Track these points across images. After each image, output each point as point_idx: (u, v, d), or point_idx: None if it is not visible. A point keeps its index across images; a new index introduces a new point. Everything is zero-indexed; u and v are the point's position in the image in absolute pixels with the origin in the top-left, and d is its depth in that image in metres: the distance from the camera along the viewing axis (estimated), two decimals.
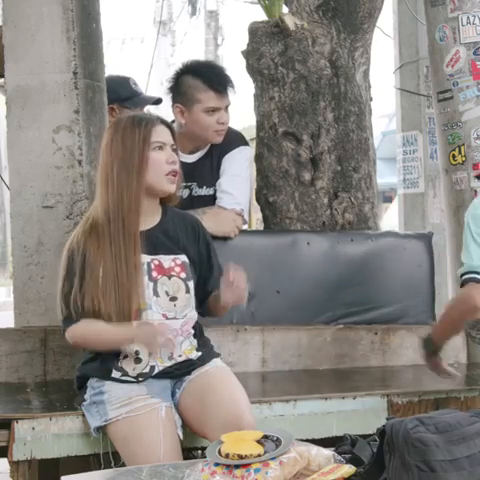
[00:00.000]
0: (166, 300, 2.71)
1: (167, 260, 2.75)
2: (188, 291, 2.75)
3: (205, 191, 3.63)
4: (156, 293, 2.70)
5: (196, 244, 2.84)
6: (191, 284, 2.76)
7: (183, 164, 3.50)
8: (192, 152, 3.63)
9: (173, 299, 2.72)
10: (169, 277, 2.73)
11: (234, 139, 3.65)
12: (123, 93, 3.92)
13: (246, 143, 3.70)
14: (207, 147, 3.64)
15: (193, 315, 2.77)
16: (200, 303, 2.84)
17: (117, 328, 2.62)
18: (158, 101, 4.23)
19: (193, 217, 2.95)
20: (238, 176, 3.59)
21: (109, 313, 2.62)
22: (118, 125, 2.76)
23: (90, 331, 2.65)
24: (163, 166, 2.74)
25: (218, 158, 3.62)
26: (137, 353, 2.67)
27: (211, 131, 3.54)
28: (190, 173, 3.54)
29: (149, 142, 2.71)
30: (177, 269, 2.75)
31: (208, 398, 2.65)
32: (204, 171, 3.62)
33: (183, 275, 2.75)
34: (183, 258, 2.78)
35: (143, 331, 2.60)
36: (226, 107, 3.55)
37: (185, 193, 3.59)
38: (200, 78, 3.53)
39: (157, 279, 2.71)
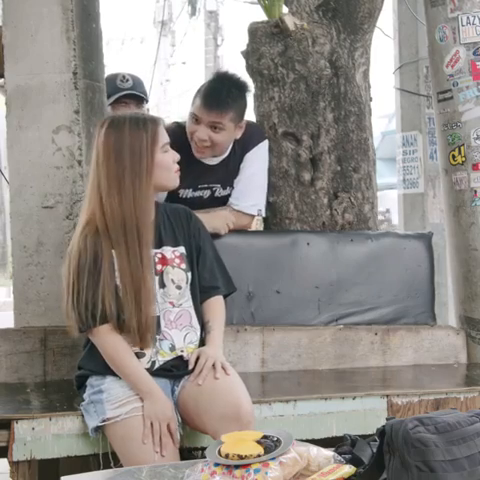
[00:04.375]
0: (173, 288, 2.77)
1: (168, 251, 2.81)
2: (187, 282, 2.80)
3: (229, 190, 3.62)
4: (162, 285, 2.76)
5: (190, 234, 2.87)
6: (190, 275, 2.82)
7: (204, 165, 3.51)
8: (212, 156, 3.55)
9: (179, 287, 2.78)
10: (172, 267, 2.79)
11: (253, 135, 3.62)
12: (107, 92, 3.91)
13: (264, 136, 3.71)
14: (228, 152, 3.58)
15: (188, 306, 2.80)
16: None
17: (140, 380, 2.64)
18: (137, 97, 4.16)
19: (186, 208, 2.96)
20: (255, 175, 3.61)
21: (129, 316, 2.65)
22: (120, 126, 2.70)
23: (120, 355, 2.67)
24: (172, 166, 2.78)
25: (241, 156, 3.59)
26: (141, 348, 2.69)
27: (192, 138, 3.46)
28: (212, 175, 3.56)
29: (157, 144, 2.71)
30: (177, 261, 2.80)
31: (205, 390, 2.66)
32: (228, 171, 3.59)
33: (183, 266, 2.81)
34: (181, 250, 2.83)
35: (155, 406, 2.61)
36: (211, 124, 3.39)
37: (206, 193, 3.59)
38: (204, 85, 3.52)
39: (162, 271, 2.77)
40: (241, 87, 3.50)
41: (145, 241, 2.68)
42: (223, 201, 3.59)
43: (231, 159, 3.59)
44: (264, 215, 3.71)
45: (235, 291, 3.01)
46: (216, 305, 2.89)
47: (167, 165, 2.75)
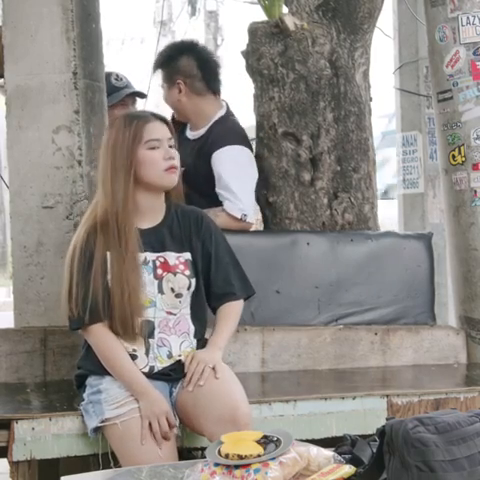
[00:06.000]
0: (171, 297, 2.74)
1: (172, 257, 2.77)
2: (189, 288, 2.77)
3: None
4: (161, 290, 2.73)
5: (199, 240, 2.83)
6: (194, 281, 2.78)
7: (187, 141, 3.57)
8: (195, 128, 3.71)
9: (178, 295, 2.75)
10: (174, 274, 2.75)
11: (223, 137, 3.61)
12: None
13: (236, 142, 3.63)
14: (206, 128, 3.67)
15: (186, 313, 2.78)
16: (209, 301, 2.86)
17: (134, 381, 2.64)
18: (140, 95, 4.22)
19: (198, 212, 2.91)
20: (230, 177, 3.54)
21: (116, 309, 2.64)
22: (113, 125, 2.79)
23: (114, 355, 2.67)
24: (160, 163, 2.73)
25: (209, 147, 3.60)
26: (134, 350, 2.68)
27: None
28: (190, 150, 3.58)
29: (140, 141, 2.70)
30: (181, 267, 2.77)
31: (202, 392, 2.65)
32: (201, 151, 3.65)
33: (187, 272, 2.77)
34: (187, 256, 2.79)
35: (150, 405, 2.61)
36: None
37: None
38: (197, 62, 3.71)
39: (162, 276, 2.74)
40: None
41: (126, 241, 2.66)
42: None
43: (203, 141, 3.66)
44: (251, 221, 3.56)
45: (254, 294, 2.94)
46: (228, 310, 2.84)
47: (151, 161, 2.71)
